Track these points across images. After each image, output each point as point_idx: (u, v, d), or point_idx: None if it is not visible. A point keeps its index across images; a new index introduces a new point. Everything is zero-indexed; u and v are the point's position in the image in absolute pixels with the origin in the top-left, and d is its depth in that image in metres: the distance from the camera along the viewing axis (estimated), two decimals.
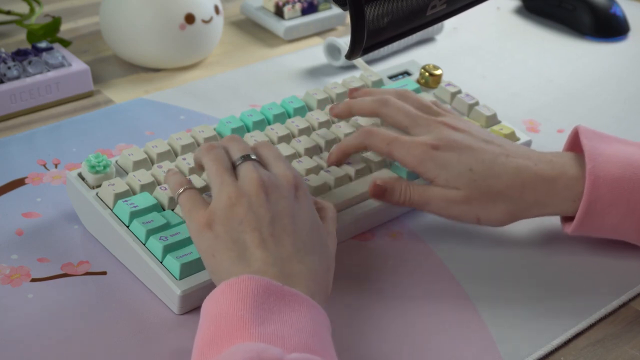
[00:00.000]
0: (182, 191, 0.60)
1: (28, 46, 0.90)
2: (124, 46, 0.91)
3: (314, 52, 0.98)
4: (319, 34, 1.04)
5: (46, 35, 0.92)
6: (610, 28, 1.07)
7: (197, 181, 0.66)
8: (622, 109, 0.93)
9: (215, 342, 0.50)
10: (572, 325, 0.63)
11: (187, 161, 0.69)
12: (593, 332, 0.64)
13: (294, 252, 0.56)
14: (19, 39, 0.97)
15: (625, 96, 0.96)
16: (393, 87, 0.83)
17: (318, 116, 0.77)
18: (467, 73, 0.97)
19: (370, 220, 0.71)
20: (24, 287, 0.63)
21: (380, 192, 0.68)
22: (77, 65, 0.87)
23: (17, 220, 0.70)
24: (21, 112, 0.84)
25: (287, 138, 0.74)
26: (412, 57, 0.98)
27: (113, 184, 0.66)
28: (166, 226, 0.64)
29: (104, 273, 0.65)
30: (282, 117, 0.77)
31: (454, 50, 1.02)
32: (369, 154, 0.73)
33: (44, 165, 0.76)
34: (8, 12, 0.97)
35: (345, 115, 0.74)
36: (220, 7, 0.94)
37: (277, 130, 0.75)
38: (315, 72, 0.95)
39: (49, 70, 0.85)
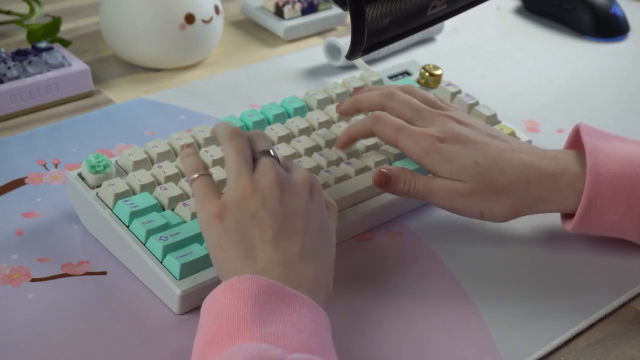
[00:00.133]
0: (197, 177, 0.59)
1: (28, 46, 0.90)
2: (124, 46, 0.91)
3: (314, 52, 0.98)
4: (319, 34, 1.04)
5: (46, 35, 0.92)
6: (610, 28, 1.07)
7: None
8: (622, 109, 0.93)
9: (216, 342, 0.50)
10: (572, 325, 0.63)
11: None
12: (593, 332, 0.64)
13: (302, 253, 0.56)
14: (19, 39, 0.97)
15: (625, 96, 0.96)
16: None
17: (318, 116, 0.77)
18: (467, 73, 0.97)
19: (370, 220, 0.71)
20: (24, 287, 0.63)
21: (384, 180, 0.68)
22: (77, 65, 0.87)
23: (17, 220, 0.70)
24: (21, 112, 0.84)
25: (287, 138, 0.75)
26: (412, 57, 0.98)
27: (113, 184, 0.66)
28: (166, 226, 0.64)
29: (104, 273, 0.65)
30: (282, 117, 0.77)
31: (454, 50, 1.02)
32: (370, 153, 0.73)
33: (44, 165, 0.76)
34: (8, 12, 0.97)
35: (352, 112, 0.73)
36: (220, 7, 0.94)
37: (277, 130, 0.75)
38: (315, 72, 0.95)
39: (49, 70, 0.85)
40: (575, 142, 0.72)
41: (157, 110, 0.86)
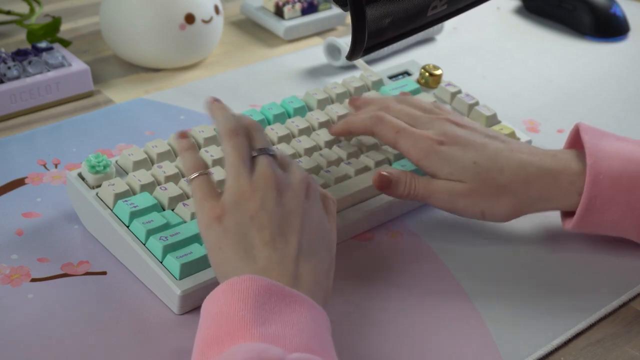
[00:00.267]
0: (196, 176, 0.59)
1: (28, 46, 0.90)
2: (124, 46, 0.91)
3: (314, 52, 0.98)
4: (319, 34, 1.04)
5: (46, 35, 0.92)
6: (610, 28, 1.07)
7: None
8: (622, 109, 0.93)
9: (216, 342, 0.50)
10: (572, 325, 0.63)
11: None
12: (593, 332, 0.64)
13: (300, 252, 0.56)
14: (19, 39, 0.97)
15: (625, 96, 0.96)
16: (392, 86, 0.83)
17: (318, 116, 0.77)
18: (467, 73, 0.97)
19: (370, 220, 0.71)
20: (24, 287, 0.63)
21: (385, 182, 0.68)
22: (77, 65, 0.87)
23: (17, 220, 0.70)
24: (21, 112, 0.84)
25: (287, 138, 0.75)
26: (412, 57, 0.98)
27: (113, 184, 0.66)
28: (166, 226, 0.64)
29: (104, 273, 0.65)
30: (282, 117, 0.77)
31: (454, 50, 1.02)
32: (370, 153, 0.73)
33: (44, 165, 0.76)
34: (8, 12, 0.97)
35: (344, 135, 0.73)
36: (220, 7, 0.94)
37: (277, 130, 0.75)
38: (315, 72, 0.95)
39: (49, 70, 0.85)
40: (575, 141, 0.72)
41: (157, 110, 0.86)
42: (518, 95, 0.94)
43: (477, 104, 0.82)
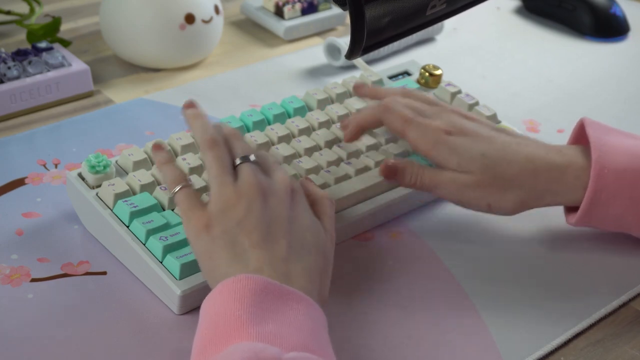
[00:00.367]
0: (179, 189, 0.60)
1: (28, 46, 0.90)
2: (124, 46, 0.91)
3: (314, 52, 0.98)
4: (319, 34, 1.04)
5: (46, 35, 0.92)
6: (610, 28, 1.07)
7: (197, 181, 0.66)
8: (622, 109, 0.93)
9: (213, 342, 0.50)
10: (572, 325, 0.63)
11: (187, 161, 0.69)
12: (593, 332, 0.64)
13: (290, 252, 0.56)
14: (19, 39, 0.97)
15: (625, 96, 0.96)
16: (396, 86, 0.83)
17: (318, 116, 0.77)
18: (467, 73, 0.97)
19: (370, 220, 0.71)
20: (24, 287, 0.63)
21: (392, 171, 0.68)
22: (77, 65, 0.87)
23: (17, 220, 0.70)
24: (21, 112, 0.84)
25: (287, 138, 0.75)
26: (412, 57, 0.98)
27: (113, 184, 0.66)
28: (166, 226, 0.64)
29: (104, 273, 0.65)
30: (282, 117, 0.77)
31: (454, 50, 1.02)
32: (370, 153, 0.73)
33: (44, 165, 0.76)
34: (8, 12, 0.97)
35: (358, 136, 0.72)
36: (220, 7, 0.94)
37: (277, 130, 0.75)
38: (315, 72, 0.95)
39: (49, 70, 0.85)
40: (580, 136, 0.72)
41: (157, 110, 0.86)
42: (518, 95, 0.94)
43: (477, 104, 0.82)
